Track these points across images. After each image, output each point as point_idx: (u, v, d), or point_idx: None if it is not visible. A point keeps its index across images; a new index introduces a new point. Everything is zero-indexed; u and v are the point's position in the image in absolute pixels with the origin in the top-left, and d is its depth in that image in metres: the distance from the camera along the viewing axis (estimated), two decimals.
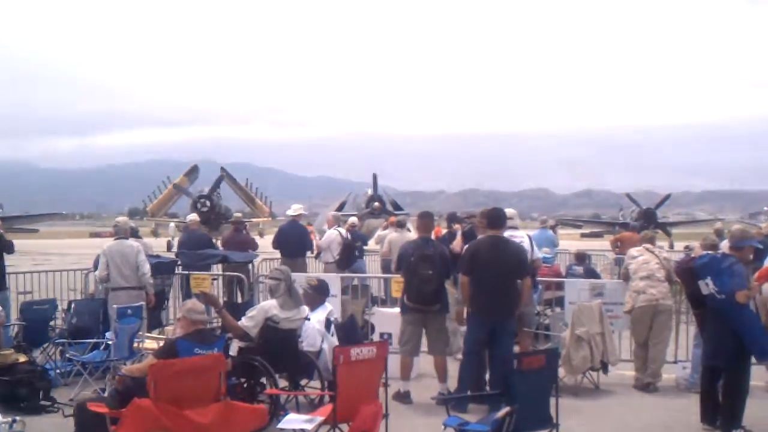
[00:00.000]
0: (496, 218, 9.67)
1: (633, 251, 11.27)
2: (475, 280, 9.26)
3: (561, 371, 9.45)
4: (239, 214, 19.64)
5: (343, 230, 17.56)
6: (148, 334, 11.34)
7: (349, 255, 17.05)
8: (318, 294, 9.43)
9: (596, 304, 10.70)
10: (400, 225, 18.26)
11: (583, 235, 66.20)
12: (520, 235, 10.64)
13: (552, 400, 6.70)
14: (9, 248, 12.02)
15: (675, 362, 11.10)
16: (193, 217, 19.38)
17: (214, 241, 20.09)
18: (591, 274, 14.44)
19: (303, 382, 8.94)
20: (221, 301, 13.08)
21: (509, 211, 11.18)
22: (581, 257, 15.38)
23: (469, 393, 8.99)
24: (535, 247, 10.82)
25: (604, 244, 33.04)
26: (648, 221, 53.73)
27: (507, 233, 10.73)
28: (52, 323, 11.73)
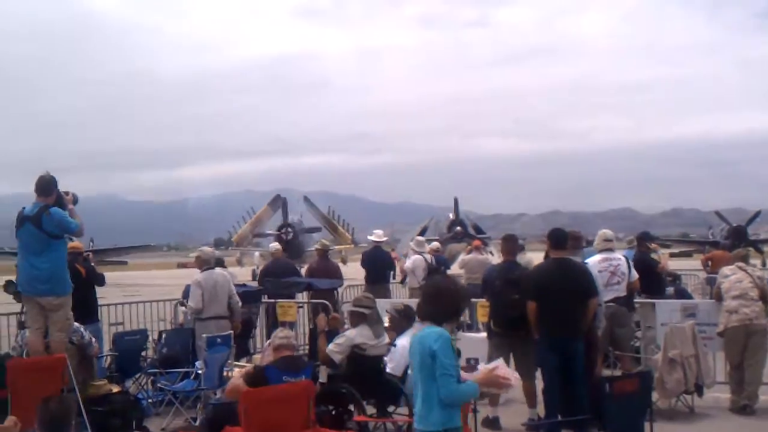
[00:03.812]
0: (559, 239, 9.40)
1: (725, 270, 10.98)
2: (542, 304, 9.05)
3: (654, 395, 9.22)
4: (326, 242, 19.69)
5: (427, 255, 17.50)
6: (237, 363, 11.46)
7: None
8: (404, 319, 9.42)
9: (689, 326, 10.44)
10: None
11: (673, 255, 64.83)
12: (616, 257, 10.48)
13: (646, 425, 6.54)
14: (100, 281, 12.29)
15: None
16: (276, 245, 19.55)
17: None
18: (682, 294, 14.10)
19: (390, 408, 8.91)
20: (308, 328, 13.19)
21: (605, 233, 11.05)
22: (672, 277, 15.05)
23: (559, 418, 8.83)
24: (632, 269, 10.66)
25: (694, 263, 32.27)
26: (739, 239, 52.27)
27: (601, 256, 10.62)
28: (143, 353, 11.94)
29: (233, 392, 7.39)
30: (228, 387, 8.01)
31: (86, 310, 11.48)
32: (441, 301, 5.43)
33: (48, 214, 8.97)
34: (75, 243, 11.48)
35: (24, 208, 9.20)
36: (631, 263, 10.98)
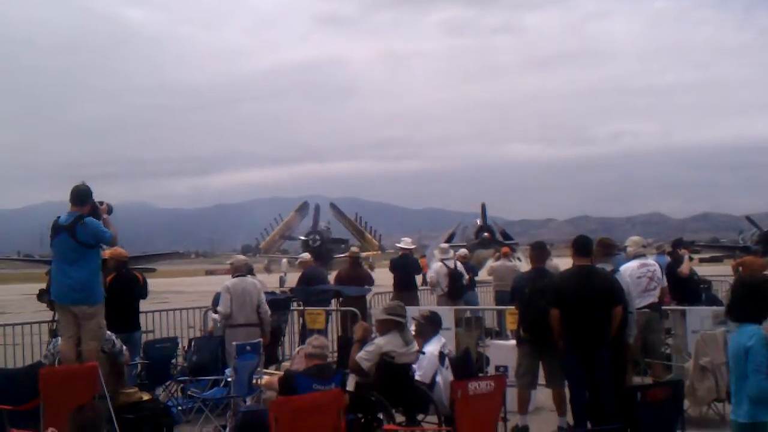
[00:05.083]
0: (582, 246, 9.33)
1: None
2: (565, 313, 8.97)
3: (686, 403, 9.14)
4: (356, 249, 19.71)
5: (450, 262, 17.41)
6: (266, 371, 11.51)
7: (457, 285, 16.95)
8: (430, 325, 9.41)
9: (720, 333, 10.32)
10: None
11: (703, 260, 64.28)
12: (651, 263, 10.45)
13: None
14: (144, 293, 12.26)
15: None
16: (305, 255, 19.58)
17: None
18: (713, 301, 13.98)
19: (419, 416, 8.90)
20: (337, 335, 13.22)
21: (636, 239, 11.03)
22: (704, 284, 14.94)
23: (589, 426, 8.79)
24: (664, 276, 10.62)
25: (725, 269, 31.97)
26: None
27: (638, 261, 10.59)
28: (173, 361, 12.00)
29: (268, 385, 7.55)
30: (265, 379, 8.08)
31: (132, 318, 11.60)
32: (758, 298, 5.55)
33: (83, 224, 9.06)
34: (121, 250, 11.57)
35: (59, 217, 9.28)
36: (663, 269, 10.93)
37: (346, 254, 21.22)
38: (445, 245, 20.74)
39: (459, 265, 17.35)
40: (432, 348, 9.13)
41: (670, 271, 12.75)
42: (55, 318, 9.58)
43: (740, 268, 19.75)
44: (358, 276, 17.03)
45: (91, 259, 9.20)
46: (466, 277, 17.50)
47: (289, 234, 65.98)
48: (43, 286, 10.39)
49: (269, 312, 11.68)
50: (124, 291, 11.23)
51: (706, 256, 67.38)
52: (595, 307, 8.88)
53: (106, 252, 10.77)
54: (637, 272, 10.35)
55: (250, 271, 13.58)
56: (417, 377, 8.82)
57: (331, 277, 19.70)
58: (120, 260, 11.58)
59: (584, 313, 8.82)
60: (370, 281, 17.36)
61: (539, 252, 10.51)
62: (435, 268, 17.52)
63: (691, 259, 14.42)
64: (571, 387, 9.19)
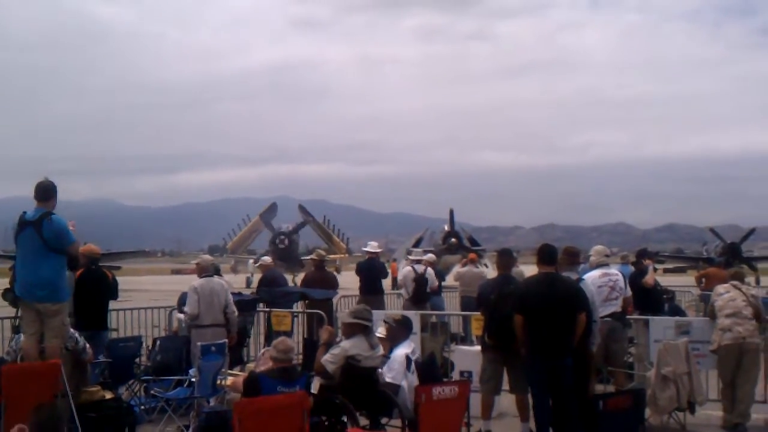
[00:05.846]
0: (547, 254, 9.40)
1: (720, 288, 11.01)
2: (529, 319, 8.99)
3: (647, 411, 9.24)
4: (321, 252, 19.73)
5: (419, 266, 17.46)
6: (231, 372, 11.47)
7: (422, 290, 17.05)
8: (402, 329, 9.46)
9: (682, 343, 10.46)
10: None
11: (666, 271, 64.93)
12: (614, 272, 10.54)
13: None
14: (114, 293, 12.15)
15: (765, 402, 10.76)
16: (266, 258, 19.46)
17: (292, 278, 20.27)
18: (676, 311, 14.15)
19: (383, 420, 8.92)
20: (302, 338, 13.21)
21: (599, 248, 11.12)
22: (667, 294, 15.11)
23: None
24: (627, 285, 10.71)
25: (688, 279, 32.31)
26: (733, 256, 52.29)
27: (600, 271, 10.68)
28: (137, 360, 11.93)
29: (234, 386, 7.56)
30: (230, 380, 8.07)
31: (101, 317, 11.50)
32: None
33: (49, 221, 8.97)
34: (94, 247, 11.45)
35: (25, 212, 9.18)
36: (626, 279, 11.04)
37: (311, 257, 21.23)
38: (419, 250, 20.85)
39: (429, 271, 17.41)
40: (401, 351, 9.18)
41: (634, 281, 12.86)
42: (18, 314, 9.47)
43: (704, 280, 20.05)
44: (323, 279, 17.09)
45: (57, 256, 9.11)
46: (435, 284, 17.57)
47: (251, 243, 65.78)
48: (6, 282, 10.20)
49: (236, 313, 11.65)
50: (92, 288, 11.12)
51: (670, 266, 68.14)
52: (559, 313, 8.91)
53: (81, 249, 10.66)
54: (599, 281, 10.43)
55: (217, 272, 13.54)
56: (388, 379, 8.86)
57: (298, 279, 19.71)
58: (91, 257, 11.47)
59: (548, 320, 8.86)
60: (336, 285, 17.40)
61: (505, 259, 10.59)
62: (403, 272, 17.62)
63: (655, 269, 14.58)
64: (533, 394, 9.22)
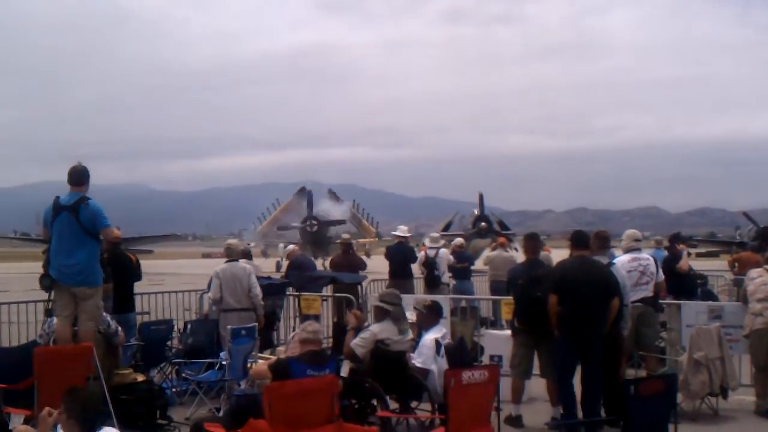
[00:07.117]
0: (580, 240, 9.45)
1: (752, 272, 10.89)
2: (563, 300, 9.01)
3: (679, 397, 9.16)
4: (348, 236, 19.79)
5: (432, 251, 17.56)
6: (261, 355, 11.52)
7: (431, 275, 17.13)
8: (431, 314, 9.46)
9: (715, 328, 10.36)
10: None
11: (699, 255, 64.39)
12: (644, 257, 10.47)
13: (670, 427, 6.50)
14: (138, 275, 12.24)
15: None
16: (292, 247, 19.46)
17: (321, 262, 20.33)
18: (709, 296, 14.01)
19: (413, 404, 8.93)
20: (332, 322, 13.24)
21: (633, 232, 11.02)
22: (700, 279, 14.96)
23: (582, 418, 8.81)
24: (660, 270, 10.62)
25: (721, 264, 31.98)
26: (766, 241, 51.72)
27: (630, 255, 10.58)
28: (168, 343, 12.02)
29: (258, 374, 7.62)
30: (254, 369, 8.12)
31: (127, 299, 11.58)
32: None
33: (86, 205, 9.06)
34: (115, 230, 11.54)
35: (58, 197, 9.25)
36: (659, 263, 10.93)
37: (339, 240, 21.29)
38: (436, 234, 20.78)
39: (442, 254, 17.41)
40: (430, 336, 9.18)
41: (668, 265, 12.75)
42: (51, 298, 9.55)
43: (736, 264, 19.84)
44: (350, 263, 17.15)
45: (92, 241, 9.19)
46: (444, 268, 17.53)
47: (285, 222, 65.87)
48: (40, 266, 10.23)
49: (260, 296, 11.69)
50: (118, 272, 11.20)
51: (703, 251, 67.49)
52: (593, 297, 8.96)
53: None
54: (628, 266, 10.34)
55: (246, 255, 13.59)
56: (418, 364, 8.87)
57: (327, 263, 19.80)
58: (112, 240, 11.55)
59: (582, 302, 8.88)
60: (363, 266, 17.48)
61: (532, 243, 10.54)
62: (419, 256, 17.69)
63: (688, 254, 14.43)
64: (560, 377, 9.22)
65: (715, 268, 26.88)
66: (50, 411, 5.61)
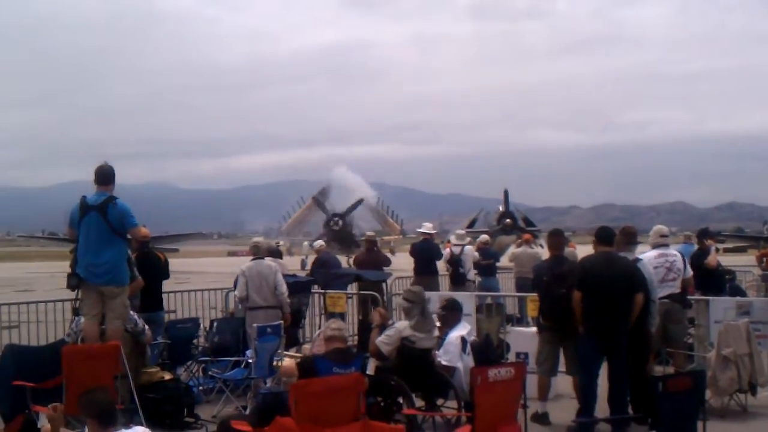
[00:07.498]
0: (605, 236, 9.41)
1: None
2: (587, 296, 8.97)
3: (707, 393, 9.09)
4: (372, 233, 19.81)
5: (456, 248, 17.53)
6: (287, 353, 11.56)
7: (456, 272, 17.11)
8: (450, 312, 9.42)
9: (743, 323, 10.27)
10: None
11: (727, 250, 63.92)
12: (672, 253, 10.40)
13: (698, 424, 6.46)
14: (166, 273, 12.28)
15: None
16: (319, 242, 19.63)
17: (346, 260, 20.38)
18: (737, 291, 13.88)
19: (439, 402, 8.91)
20: (357, 319, 13.24)
21: (660, 228, 10.93)
22: (728, 275, 14.83)
23: (609, 415, 8.77)
24: (688, 266, 10.54)
25: (749, 259, 31.69)
26: None
27: (657, 251, 10.49)
28: (194, 341, 12.07)
29: (288, 372, 7.65)
30: (283, 366, 8.15)
31: (157, 298, 11.65)
32: None
33: (114, 205, 9.10)
34: (144, 229, 11.60)
35: (85, 197, 9.29)
36: (687, 259, 10.84)
37: (363, 238, 21.33)
38: (461, 231, 20.74)
39: (467, 252, 17.39)
40: (456, 334, 9.15)
41: (696, 261, 12.63)
42: (78, 296, 9.62)
43: (764, 259, 19.67)
44: (374, 260, 17.15)
45: (119, 240, 9.25)
46: (469, 264, 17.49)
47: (309, 219, 66.14)
48: (67, 266, 10.26)
49: (286, 294, 11.70)
50: (147, 270, 11.26)
51: (730, 245, 67.01)
52: (617, 292, 8.91)
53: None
54: (655, 262, 10.26)
55: (273, 253, 13.62)
56: (444, 362, 8.85)
57: (352, 261, 19.81)
58: (141, 240, 11.62)
59: (606, 297, 8.84)
60: (388, 263, 17.48)
61: (557, 239, 10.51)
62: (445, 253, 17.68)
63: (717, 250, 14.30)
64: (583, 371, 9.17)
65: (743, 263, 26.66)
66: (56, 407, 5.70)
